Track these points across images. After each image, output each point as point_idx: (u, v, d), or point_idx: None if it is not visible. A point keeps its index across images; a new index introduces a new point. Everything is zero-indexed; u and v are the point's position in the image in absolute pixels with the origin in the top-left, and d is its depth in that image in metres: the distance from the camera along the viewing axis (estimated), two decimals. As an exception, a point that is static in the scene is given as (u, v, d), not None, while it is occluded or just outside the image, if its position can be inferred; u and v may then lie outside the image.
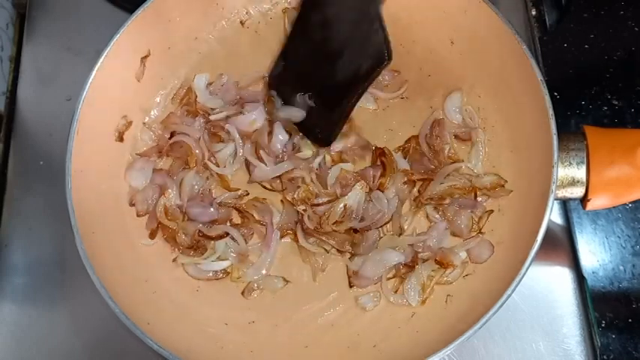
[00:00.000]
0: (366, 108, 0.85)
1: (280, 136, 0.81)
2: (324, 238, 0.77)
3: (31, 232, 0.87)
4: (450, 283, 0.76)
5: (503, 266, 0.73)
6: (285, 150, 0.81)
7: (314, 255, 0.78)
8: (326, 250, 0.78)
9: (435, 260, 0.76)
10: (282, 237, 0.80)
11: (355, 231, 0.77)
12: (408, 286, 0.75)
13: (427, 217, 0.79)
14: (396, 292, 0.76)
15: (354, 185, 0.79)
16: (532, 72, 0.73)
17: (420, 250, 0.77)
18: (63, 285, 0.84)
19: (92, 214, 0.74)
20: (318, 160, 0.80)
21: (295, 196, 0.79)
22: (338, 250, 0.78)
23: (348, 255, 0.78)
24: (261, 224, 0.80)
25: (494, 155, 0.81)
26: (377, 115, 0.85)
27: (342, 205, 0.78)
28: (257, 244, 0.80)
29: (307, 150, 0.81)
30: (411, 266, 0.76)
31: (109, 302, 0.68)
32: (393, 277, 0.76)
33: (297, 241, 0.79)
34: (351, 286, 0.77)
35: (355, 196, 0.78)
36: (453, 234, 0.78)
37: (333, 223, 0.77)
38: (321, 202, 0.78)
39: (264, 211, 0.80)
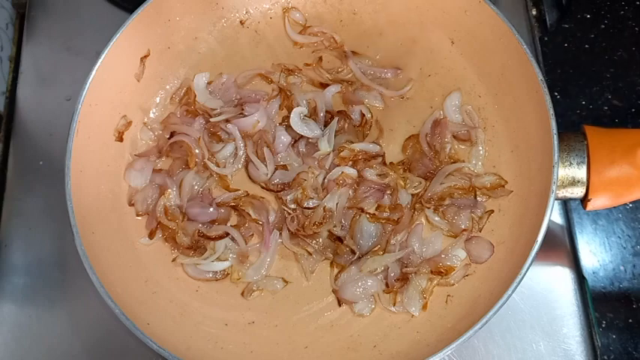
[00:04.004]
0: (373, 106, 0.85)
1: (283, 138, 0.81)
2: (307, 241, 0.77)
3: (31, 232, 0.87)
4: (451, 284, 0.76)
5: (503, 266, 0.73)
6: (301, 150, 0.81)
7: (303, 256, 0.78)
8: (308, 252, 0.78)
9: (431, 271, 0.75)
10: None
11: (340, 240, 0.77)
12: (406, 299, 0.75)
13: (427, 219, 0.79)
14: (394, 304, 0.75)
15: (338, 190, 0.78)
16: (532, 72, 0.73)
17: (407, 262, 0.76)
18: (63, 285, 0.84)
19: (92, 214, 0.74)
20: (330, 159, 0.80)
21: (292, 196, 0.79)
22: (321, 254, 0.77)
23: (330, 261, 0.78)
24: (258, 223, 0.80)
25: (494, 155, 0.81)
26: (378, 116, 0.84)
27: (322, 207, 0.78)
28: (256, 244, 0.80)
29: (325, 147, 0.80)
30: (403, 279, 0.75)
31: (109, 302, 0.68)
32: (389, 292, 0.76)
33: None
34: (339, 304, 0.76)
35: (333, 200, 0.78)
36: (454, 235, 0.78)
37: (314, 225, 0.77)
38: (312, 205, 0.78)
39: (261, 210, 0.80)
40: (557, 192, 0.70)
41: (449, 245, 0.77)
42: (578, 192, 0.72)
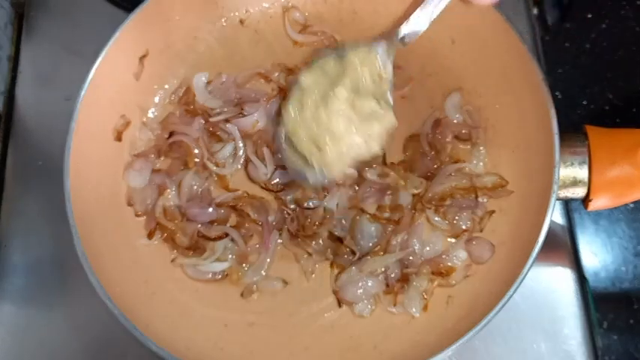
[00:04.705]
0: None
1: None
2: (307, 241, 0.77)
3: (31, 232, 0.87)
4: (452, 285, 0.75)
5: (504, 267, 0.73)
6: None
7: (302, 256, 0.78)
8: (308, 252, 0.77)
9: (432, 272, 0.75)
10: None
11: (340, 241, 0.77)
12: (406, 299, 0.75)
13: (428, 220, 0.79)
14: (395, 305, 0.75)
15: (338, 191, 0.78)
16: (533, 71, 0.72)
17: (408, 263, 0.76)
18: (62, 285, 0.84)
19: (91, 214, 0.74)
20: None
21: (292, 197, 0.79)
22: (321, 254, 0.77)
23: (330, 262, 0.78)
24: (258, 223, 0.80)
25: (495, 155, 0.80)
26: (377, 115, 0.84)
27: (322, 207, 0.77)
28: (256, 245, 0.79)
29: None
30: (404, 280, 0.75)
31: (108, 303, 0.67)
32: (389, 293, 0.75)
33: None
34: (339, 304, 0.76)
35: (333, 200, 0.78)
36: (455, 235, 0.78)
37: (314, 225, 0.77)
38: (312, 205, 0.78)
39: (261, 210, 0.80)
40: (559, 192, 0.70)
41: (450, 246, 0.77)
42: (580, 192, 0.72)
